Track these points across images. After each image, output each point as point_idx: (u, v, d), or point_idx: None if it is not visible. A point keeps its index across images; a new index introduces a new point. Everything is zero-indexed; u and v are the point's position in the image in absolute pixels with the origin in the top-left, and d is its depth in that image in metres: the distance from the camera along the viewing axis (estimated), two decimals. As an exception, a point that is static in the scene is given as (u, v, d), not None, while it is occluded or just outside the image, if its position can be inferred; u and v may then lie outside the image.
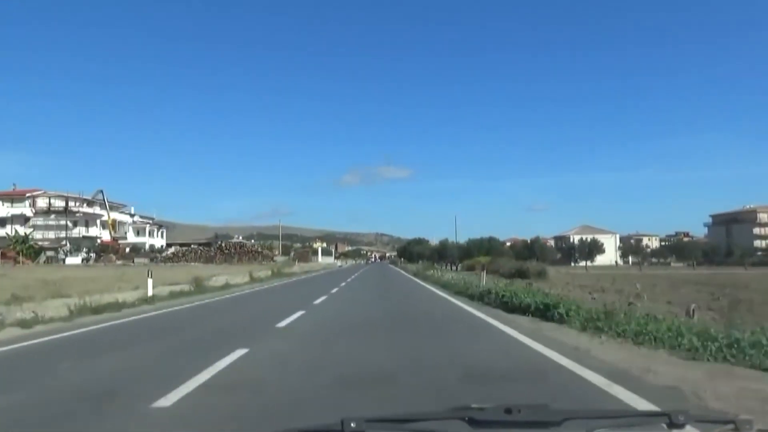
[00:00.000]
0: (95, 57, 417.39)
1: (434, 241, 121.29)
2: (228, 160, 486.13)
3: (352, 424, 1.54)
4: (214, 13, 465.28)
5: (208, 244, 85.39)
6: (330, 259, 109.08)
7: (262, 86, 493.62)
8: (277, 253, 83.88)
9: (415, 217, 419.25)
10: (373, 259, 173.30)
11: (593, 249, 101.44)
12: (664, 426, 1.63)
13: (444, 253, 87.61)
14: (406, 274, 47.13)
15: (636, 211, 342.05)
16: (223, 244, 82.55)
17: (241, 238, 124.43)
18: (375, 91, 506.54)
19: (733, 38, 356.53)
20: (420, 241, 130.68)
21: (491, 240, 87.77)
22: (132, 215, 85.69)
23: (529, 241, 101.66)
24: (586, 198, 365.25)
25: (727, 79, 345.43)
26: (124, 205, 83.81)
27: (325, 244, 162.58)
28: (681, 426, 1.61)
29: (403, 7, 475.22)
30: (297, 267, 58.60)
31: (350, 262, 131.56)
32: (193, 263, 64.47)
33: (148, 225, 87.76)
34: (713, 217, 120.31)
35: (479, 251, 73.89)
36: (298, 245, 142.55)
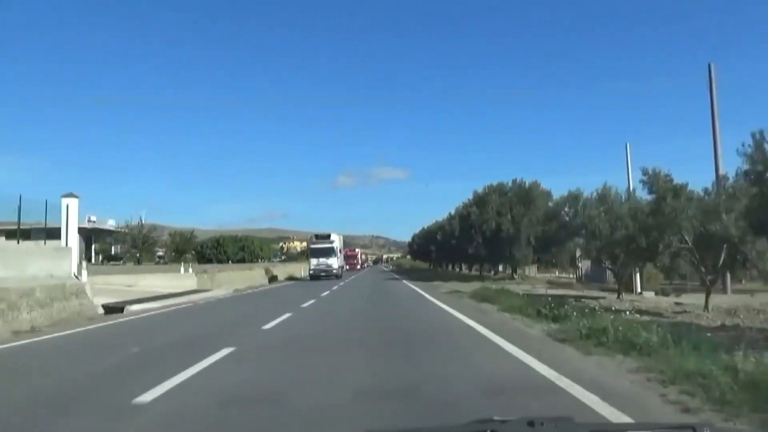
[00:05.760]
0: (89, 60, 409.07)
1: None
2: (221, 163, 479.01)
3: None
4: (206, 16, 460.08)
5: None
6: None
7: (253, 87, 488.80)
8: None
9: (412, 220, 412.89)
10: (361, 264, 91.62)
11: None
12: None
13: None
14: None
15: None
16: None
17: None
18: (369, 90, 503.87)
19: None
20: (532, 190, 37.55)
21: None
22: None
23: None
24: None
25: None
26: None
27: (305, 244, 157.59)
28: None
29: (397, 12, 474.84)
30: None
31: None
32: None
33: None
34: None
35: None
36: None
